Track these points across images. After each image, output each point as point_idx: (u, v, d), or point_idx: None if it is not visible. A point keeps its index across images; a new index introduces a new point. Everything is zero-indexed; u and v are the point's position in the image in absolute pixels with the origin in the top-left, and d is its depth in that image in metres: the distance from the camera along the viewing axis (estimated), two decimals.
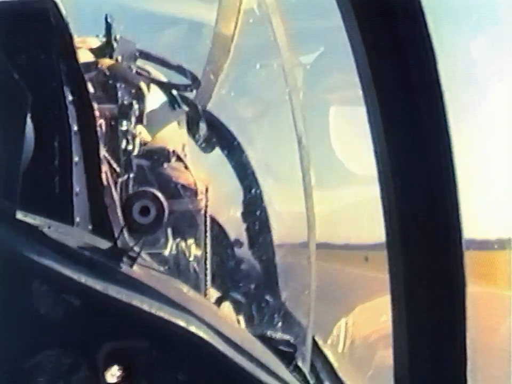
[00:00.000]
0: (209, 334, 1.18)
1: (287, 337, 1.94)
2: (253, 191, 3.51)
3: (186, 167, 2.64)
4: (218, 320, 1.38)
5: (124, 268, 1.32)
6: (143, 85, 2.50)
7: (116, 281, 1.23)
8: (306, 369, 1.97)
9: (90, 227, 1.71)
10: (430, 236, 1.17)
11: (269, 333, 1.96)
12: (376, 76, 1.22)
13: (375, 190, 1.35)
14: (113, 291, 1.19)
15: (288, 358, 1.75)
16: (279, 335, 1.91)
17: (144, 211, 1.34)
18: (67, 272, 1.23)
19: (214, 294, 2.56)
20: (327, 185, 3.94)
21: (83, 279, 1.18)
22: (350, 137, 3.95)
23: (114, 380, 1.31)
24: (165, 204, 1.35)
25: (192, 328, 1.15)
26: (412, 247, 1.17)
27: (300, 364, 1.91)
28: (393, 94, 1.22)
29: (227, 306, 2.50)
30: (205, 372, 1.17)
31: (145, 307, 1.17)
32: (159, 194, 1.35)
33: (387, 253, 1.21)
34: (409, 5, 1.22)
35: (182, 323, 1.16)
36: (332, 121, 3.98)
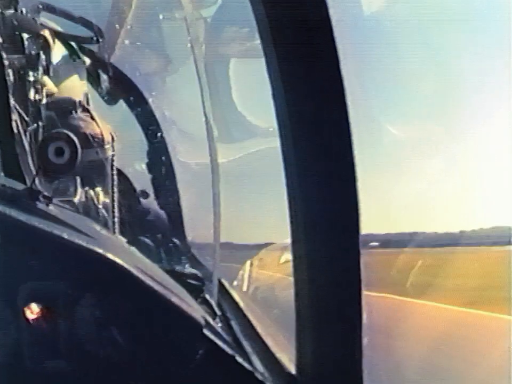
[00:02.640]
0: (127, 263, 1.23)
1: (195, 271, 2.03)
2: (157, 142, 3.56)
3: (92, 118, 2.66)
4: (130, 254, 1.46)
5: (41, 205, 1.38)
6: (48, 37, 2.51)
7: (36, 215, 1.28)
8: (213, 302, 2.07)
9: (2, 174, 1.74)
10: (328, 183, 1.18)
11: (177, 268, 2.05)
12: (274, 28, 1.20)
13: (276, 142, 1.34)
14: (35, 221, 1.25)
15: (196, 291, 1.85)
16: (187, 270, 2.00)
17: (59, 152, 1.40)
18: None
19: (122, 239, 2.61)
20: (229, 137, 4.03)
21: (6, 211, 1.23)
22: (250, 90, 3.96)
23: (34, 316, 1.37)
24: (78, 145, 1.41)
25: (110, 256, 1.20)
26: (310, 193, 1.18)
27: (207, 297, 2.01)
28: (292, 46, 1.20)
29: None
30: (124, 303, 1.21)
31: (65, 235, 1.24)
32: (73, 136, 1.41)
33: (287, 198, 1.22)
34: None
35: (99, 250, 1.21)
36: (231, 74, 3.98)
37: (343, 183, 1.17)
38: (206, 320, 1.20)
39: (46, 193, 1.47)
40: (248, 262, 4.34)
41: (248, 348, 1.95)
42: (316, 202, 1.18)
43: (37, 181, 1.56)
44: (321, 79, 1.18)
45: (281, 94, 1.19)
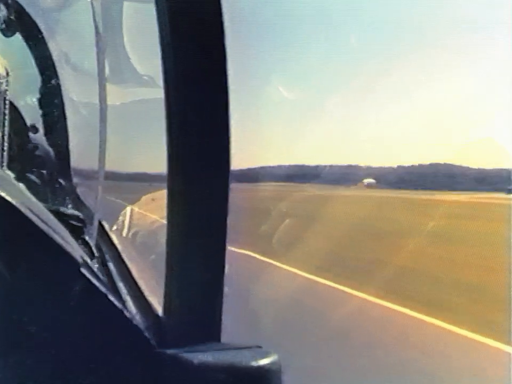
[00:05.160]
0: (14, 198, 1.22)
1: (77, 213, 2.10)
2: (51, 79, 3.56)
3: None
4: (17, 190, 1.50)
5: None
6: None
7: None
8: (92, 244, 2.15)
9: None
10: (205, 126, 1.22)
11: (60, 208, 2.11)
12: None
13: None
14: None
15: (76, 232, 1.92)
16: (70, 211, 2.07)
17: None
18: None
19: (10, 174, 2.62)
20: (119, 79, 4.00)
21: None
22: (140, 33, 3.88)
23: None
24: None
25: None
26: (189, 145, 1.22)
27: (87, 238, 2.09)
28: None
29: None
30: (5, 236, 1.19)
31: None
32: None
33: (166, 145, 1.24)
34: None
35: None
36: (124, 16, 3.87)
37: (216, 129, 1.22)
38: (83, 259, 1.29)
39: None
40: (129, 208, 4.40)
41: (122, 289, 2.05)
42: (192, 144, 1.23)
43: None
44: (206, 38, 1.19)
45: (167, 41, 1.20)
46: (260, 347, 1.10)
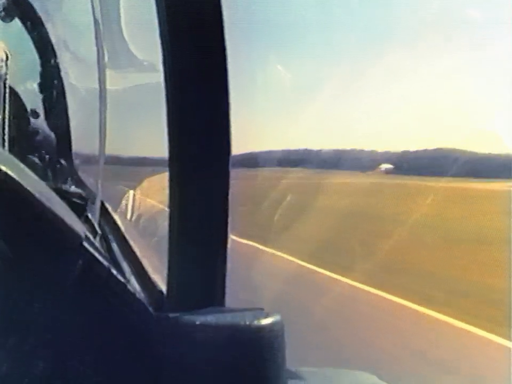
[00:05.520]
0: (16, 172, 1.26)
1: (79, 190, 2.10)
2: (51, 63, 3.56)
3: None
4: (20, 169, 1.52)
5: None
6: None
7: None
8: (95, 221, 2.17)
9: None
10: (203, 117, 1.22)
11: (63, 186, 2.12)
12: None
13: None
14: None
15: (79, 210, 1.94)
16: (72, 189, 2.08)
17: None
18: None
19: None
20: (117, 64, 4.00)
21: None
22: (138, 21, 3.87)
23: None
24: None
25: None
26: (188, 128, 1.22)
27: (89, 216, 2.10)
28: None
29: None
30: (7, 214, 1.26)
31: None
32: None
33: (167, 137, 1.25)
34: None
35: None
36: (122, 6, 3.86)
37: (217, 113, 1.23)
38: (86, 234, 1.29)
39: None
40: (131, 192, 4.41)
41: (125, 266, 2.06)
42: (192, 134, 1.23)
43: None
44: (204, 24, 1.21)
45: (165, 29, 1.20)
46: (262, 309, 1.12)
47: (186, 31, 1.21)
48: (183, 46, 1.22)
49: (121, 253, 2.28)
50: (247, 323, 1.07)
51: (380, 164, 9.55)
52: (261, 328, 1.07)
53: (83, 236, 1.33)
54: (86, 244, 1.32)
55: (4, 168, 1.28)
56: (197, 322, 1.07)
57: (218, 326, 1.08)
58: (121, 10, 3.73)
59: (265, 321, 1.07)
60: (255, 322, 1.07)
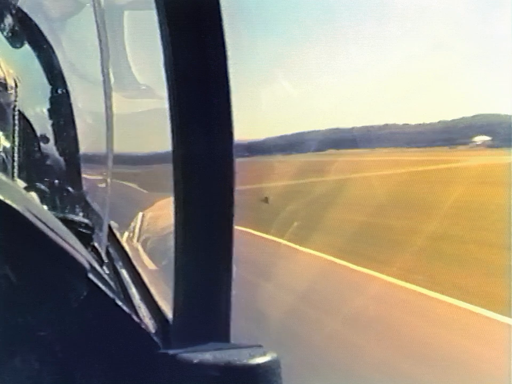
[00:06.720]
0: (20, 206, 1.22)
1: (85, 220, 2.11)
2: (60, 89, 3.59)
3: None
4: (26, 199, 1.52)
5: None
6: None
7: None
8: (102, 250, 2.17)
9: None
10: (206, 129, 1.22)
11: (69, 216, 2.13)
12: None
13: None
14: None
15: (86, 239, 1.94)
16: (78, 218, 2.09)
17: None
18: None
19: (21, 184, 2.65)
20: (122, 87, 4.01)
21: None
22: (142, 43, 3.91)
23: None
24: None
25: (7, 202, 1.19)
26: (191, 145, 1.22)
27: (96, 245, 2.11)
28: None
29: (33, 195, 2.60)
30: (14, 244, 1.19)
31: None
32: None
33: (172, 156, 1.24)
34: None
35: None
36: (125, 26, 3.85)
37: (219, 129, 1.23)
38: (91, 265, 1.30)
39: None
40: (140, 214, 4.42)
41: (133, 294, 2.06)
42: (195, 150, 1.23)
43: None
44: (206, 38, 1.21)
45: (168, 50, 1.21)
46: (260, 346, 1.12)
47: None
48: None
49: (129, 280, 2.29)
50: (244, 361, 1.08)
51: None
52: (257, 367, 1.08)
53: (88, 268, 1.34)
54: (91, 276, 1.32)
55: (9, 202, 1.29)
56: (195, 361, 1.08)
57: (215, 365, 1.09)
58: (125, 32, 3.75)
59: (262, 360, 1.08)
60: (251, 360, 1.08)
